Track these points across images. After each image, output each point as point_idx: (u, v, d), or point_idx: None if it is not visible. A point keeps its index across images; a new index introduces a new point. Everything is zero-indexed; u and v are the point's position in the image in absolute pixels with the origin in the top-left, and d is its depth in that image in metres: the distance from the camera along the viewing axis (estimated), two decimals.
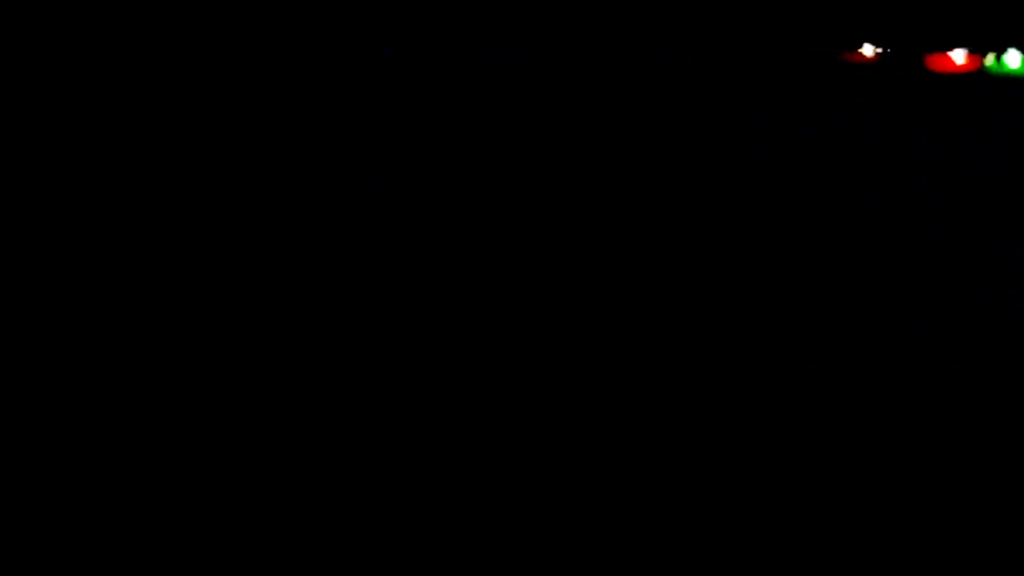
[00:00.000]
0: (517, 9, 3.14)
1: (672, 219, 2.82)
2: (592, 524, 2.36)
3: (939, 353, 2.60)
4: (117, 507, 2.35)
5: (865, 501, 2.39)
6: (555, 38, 3.12)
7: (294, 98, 3.07)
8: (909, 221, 2.81)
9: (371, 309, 2.74)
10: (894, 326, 2.65)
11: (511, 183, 2.92)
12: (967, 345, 2.62)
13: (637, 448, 2.48)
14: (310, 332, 2.70)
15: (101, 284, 2.79)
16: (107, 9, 3.17)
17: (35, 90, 3.09)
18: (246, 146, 3.01)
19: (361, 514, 2.37)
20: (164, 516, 2.33)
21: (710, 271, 2.75)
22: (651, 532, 2.35)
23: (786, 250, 2.78)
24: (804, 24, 3.03)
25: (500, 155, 2.95)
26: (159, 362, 2.65)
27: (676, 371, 2.61)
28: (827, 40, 3.10)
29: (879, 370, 2.59)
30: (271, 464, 2.47)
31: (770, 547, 2.32)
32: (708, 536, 2.34)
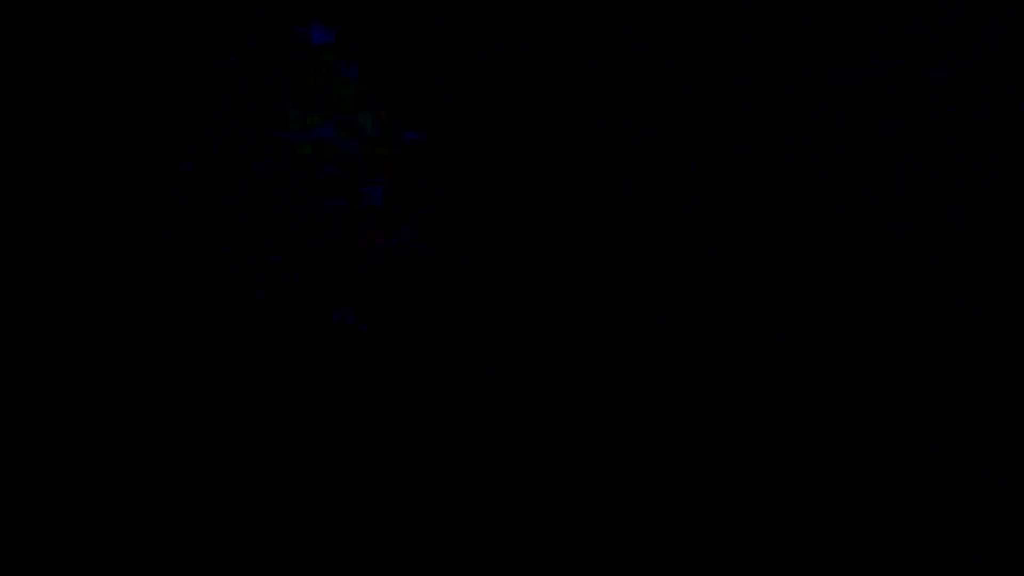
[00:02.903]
0: (517, 9, 3.14)
1: (672, 219, 2.82)
2: (591, 524, 2.36)
3: (939, 353, 2.60)
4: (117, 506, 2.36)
5: (865, 501, 2.38)
6: (555, 38, 3.12)
7: (292, 97, 3.07)
8: (909, 221, 2.81)
9: (373, 308, 2.75)
10: (894, 326, 2.65)
11: (510, 183, 2.92)
12: (967, 345, 2.62)
13: (637, 448, 2.48)
14: (313, 330, 2.71)
15: (101, 283, 2.79)
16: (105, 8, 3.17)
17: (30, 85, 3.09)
18: (242, 146, 3.01)
19: (360, 514, 2.37)
20: (163, 515, 2.33)
21: (710, 271, 2.75)
22: (650, 532, 2.35)
23: (786, 250, 2.78)
24: (804, 23, 3.02)
25: (500, 155, 2.95)
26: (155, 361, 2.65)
27: (675, 371, 2.61)
28: (829, 39, 3.10)
29: (879, 370, 2.59)
30: (271, 462, 2.47)
31: (770, 547, 2.32)
32: (708, 536, 2.34)
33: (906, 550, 2.28)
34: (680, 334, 2.65)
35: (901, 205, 2.81)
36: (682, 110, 3.00)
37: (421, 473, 2.42)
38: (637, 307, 2.70)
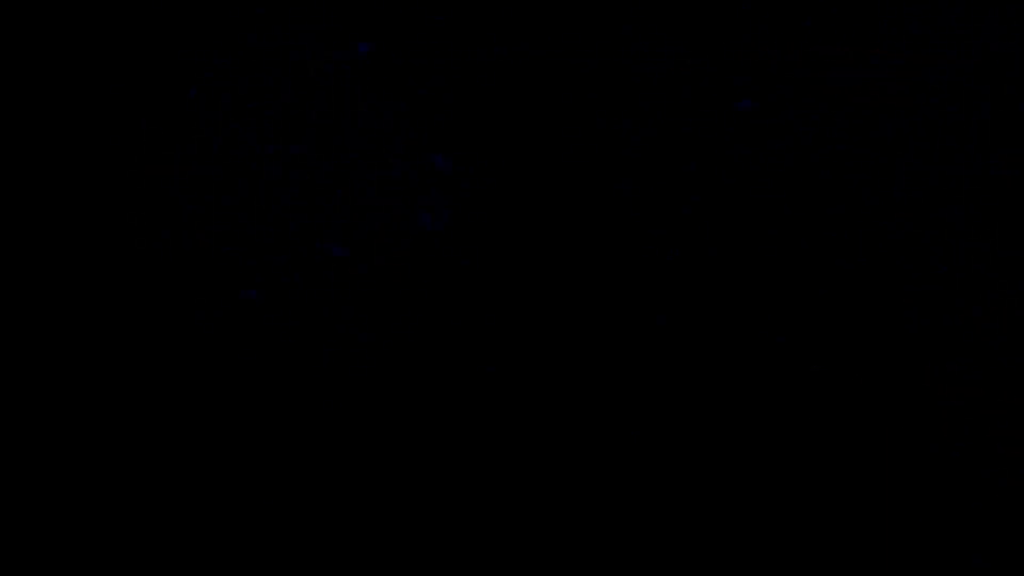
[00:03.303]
0: (517, 9, 3.13)
1: (672, 219, 2.82)
2: (591, 523, 2.36)
3: (939, 353, 2.60)
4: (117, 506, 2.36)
5: (865, 501, 2.38)
6: (555, 38, 3.12)
7: (293, 97, 3.07)
8: (909, 221, 2.81)
9: (372, 307, 2.74)
10: (894, 326, 2.65)
11: (510, 183, 2.92)
12: (967, 345, 2.62)
13: (637, 448, 2.48)
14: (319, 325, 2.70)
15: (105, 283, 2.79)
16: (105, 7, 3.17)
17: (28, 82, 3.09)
18: (242, 146, 3.01)
19: (358, 514, 2.37)
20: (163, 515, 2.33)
21: (710, 271, 2.75)
22: (650, 531, 2.35)
23: (786, 250, 2.78)
24: (804, 23, 3.02)
25: (499, 155, 2.95)
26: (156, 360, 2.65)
27: (675, 371, 2.61)
28: (829, 39, 3.10)
29: (879, 370, 2.59)
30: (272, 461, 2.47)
31: (770, 547, 2.32)
32: (707, 535, 2.34)
33: (906, 550, 2.28)
34: (680, 334, 2.65)
35: (901, 205, 2.81)
36: (682, 110, 3.00)
37: (421, 473, 2.42)
38: (637, 307, 2.70)
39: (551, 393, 2.57)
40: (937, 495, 2.36)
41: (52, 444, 2.46)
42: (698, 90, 3.03)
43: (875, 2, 3.10)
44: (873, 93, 2.99)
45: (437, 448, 2.46)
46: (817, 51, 3.07)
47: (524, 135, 2.97)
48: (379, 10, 3.20)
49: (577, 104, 3.01)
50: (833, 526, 2.32)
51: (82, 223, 2.88)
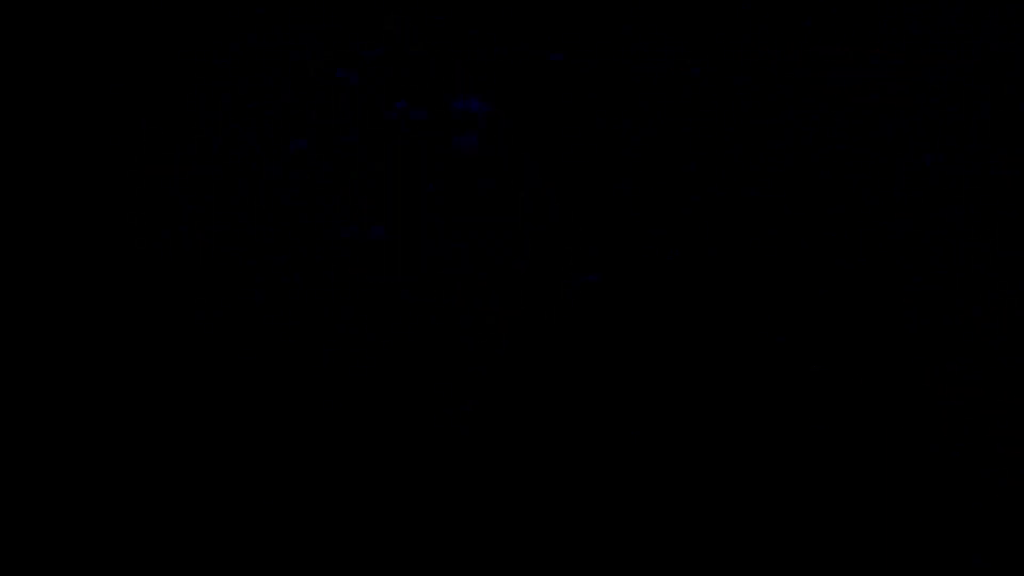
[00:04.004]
0: (517, 9, 3.14)
1: (672, 219, 2.82)
2: (591, 524, 2.36)
3: (939, 353, 2.60)
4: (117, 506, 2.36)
5: (865, 501, 2.38)
6: (555, 38, 3.12)
7: (292, 99, 3.08)
8: (909, 221, 2.81)
9: (370, 308, 2.75)
10: (894, 326, 2.65)
11: (510, 183, 2.92)
12: (967, 345, 2.62)
13: (636, 448, 2.48)
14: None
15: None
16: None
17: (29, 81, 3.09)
18: (242, 146, 3.01)
19: (358, 515, 2.37)
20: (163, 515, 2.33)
21: (710, 271, 2.75)
22: (650, 532, 2.35)
23: (786, 250, 2.78)
24: (804, 23, 3.03)
25: (499, 155, 2.95)
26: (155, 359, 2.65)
27: (675, 371, 2.61)
28: (829, 39, 3.10)
29: (879, 370, 2.59)
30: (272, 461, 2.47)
31: (769, 547, 2.32)
32: (707, 536, 2.34)
33: (906, 550, 2.28)
34: (679, 334, 2.65)
35: (901, 205, 2.81)
36: (682, 110, 3.00)
37: (419, 471, 2.42)
38: (636, 307, 2.70)
39: (551, 392, 2.57)
40: (937, 495, 2.36)
41: (52, 444, 2.46)
42: (698, 90, 3.03)
43: (875, 2, 3.10)
44: (873, 93, 2.99)
45: (435, 446, 2.46)
46: (817, 51, 3.07)
47: (523, 135, 2.97)
48: (378, 11, 3.20)
49: (577, 104, 3.01)
50: (833, 526, 2.32)
51: (83, 223, 2.88)
